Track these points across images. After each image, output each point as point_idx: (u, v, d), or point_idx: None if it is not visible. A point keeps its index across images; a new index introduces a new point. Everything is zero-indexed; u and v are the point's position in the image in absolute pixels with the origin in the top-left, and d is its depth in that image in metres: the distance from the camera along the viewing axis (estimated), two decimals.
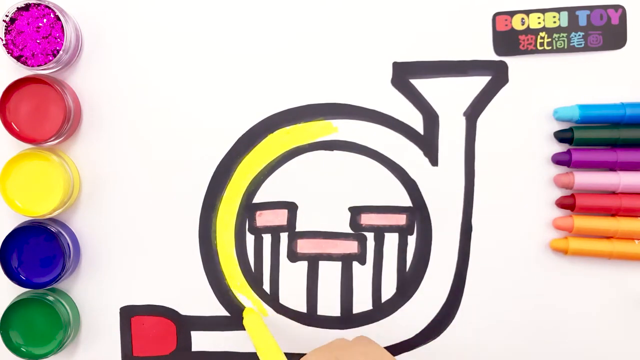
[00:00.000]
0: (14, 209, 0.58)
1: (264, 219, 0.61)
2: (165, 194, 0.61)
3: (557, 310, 0.60)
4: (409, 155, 0.60)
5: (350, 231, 0.61)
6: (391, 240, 0.61)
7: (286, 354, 0.61)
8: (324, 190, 0.61)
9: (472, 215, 0.60)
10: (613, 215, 0.59)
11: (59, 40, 0.57)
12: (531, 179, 0.60)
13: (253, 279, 0.62)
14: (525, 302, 0.60)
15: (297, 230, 0.61)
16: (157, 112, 0.61)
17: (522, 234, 0.60)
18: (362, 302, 0.62)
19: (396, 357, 0.61)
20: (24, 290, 0.61)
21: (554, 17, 0.58)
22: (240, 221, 0.61)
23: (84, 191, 0.61)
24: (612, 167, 0.58)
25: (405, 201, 0.60)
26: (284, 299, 0.62)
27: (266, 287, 0.62)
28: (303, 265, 0.61)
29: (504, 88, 0.59)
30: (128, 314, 0.62)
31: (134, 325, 0.62)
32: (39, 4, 0.57)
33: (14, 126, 0.58)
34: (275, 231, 0.61)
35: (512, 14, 0.59)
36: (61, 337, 0.59)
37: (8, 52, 0.57)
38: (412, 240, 0.61)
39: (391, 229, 0.61)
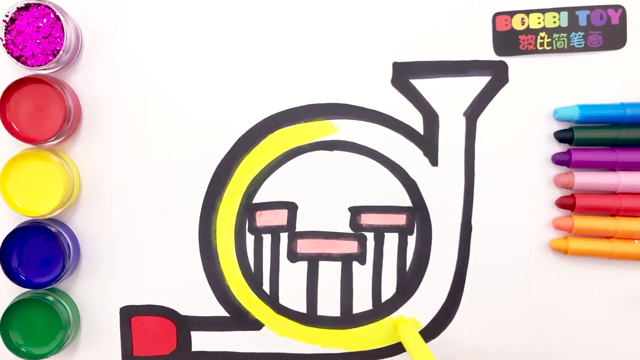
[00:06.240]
0: (14, 209, 0.58)
1: (264, 219, 0.61)
2: (165, 194, 0.61)
3: (557, 310, 0.60)
4: (409, 155, 0.60)
5: (350, 231, 0.61)
6: (391, 240, 0.61)
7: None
8: (324, 190, 0.61)
9: (472, 215, 0.60)
10: (613, 215, 0.59)
11: (59, 40, 0.57)
12: (531, 179, 0.60)
13: (253, 279, 0.62)
14: (525, 302, 0.60)
15: (297, 230, 0.61)
16: (157, 112, 0.61)
17: (522, 234, 0.60)
18: (362, 302, 0.62)
19: (396, 357, 0.62)
20: (24, 290, 0.61)
21: (554, 17, 0.58)
22: (240, 221, 0.61)
23: (84, 191, 0.61)
24: (612, 167, 0.58)
25: (405, 201, 0.60)
26: (284, 299, 0.62)
27: (266, 287, 0.62)
28: (303, 265, 0.61)
29: (504, 88, 0.59)
30: (128, 314, 0.62)
31: (134, 325, 0.62)
32: (39, 4, 0.57)
33: (14, 126, 0.58)
34: (275, 231, 0.61)
35: (512, 14, 0.59)
36: (61, 337, 0.59)
37: (8, 52, 0.57)
38: (412, 240, 0.61)
39: (391, 229, 0.61)
